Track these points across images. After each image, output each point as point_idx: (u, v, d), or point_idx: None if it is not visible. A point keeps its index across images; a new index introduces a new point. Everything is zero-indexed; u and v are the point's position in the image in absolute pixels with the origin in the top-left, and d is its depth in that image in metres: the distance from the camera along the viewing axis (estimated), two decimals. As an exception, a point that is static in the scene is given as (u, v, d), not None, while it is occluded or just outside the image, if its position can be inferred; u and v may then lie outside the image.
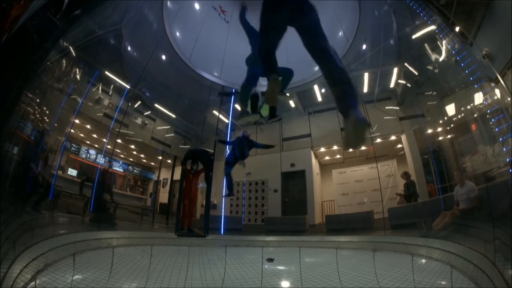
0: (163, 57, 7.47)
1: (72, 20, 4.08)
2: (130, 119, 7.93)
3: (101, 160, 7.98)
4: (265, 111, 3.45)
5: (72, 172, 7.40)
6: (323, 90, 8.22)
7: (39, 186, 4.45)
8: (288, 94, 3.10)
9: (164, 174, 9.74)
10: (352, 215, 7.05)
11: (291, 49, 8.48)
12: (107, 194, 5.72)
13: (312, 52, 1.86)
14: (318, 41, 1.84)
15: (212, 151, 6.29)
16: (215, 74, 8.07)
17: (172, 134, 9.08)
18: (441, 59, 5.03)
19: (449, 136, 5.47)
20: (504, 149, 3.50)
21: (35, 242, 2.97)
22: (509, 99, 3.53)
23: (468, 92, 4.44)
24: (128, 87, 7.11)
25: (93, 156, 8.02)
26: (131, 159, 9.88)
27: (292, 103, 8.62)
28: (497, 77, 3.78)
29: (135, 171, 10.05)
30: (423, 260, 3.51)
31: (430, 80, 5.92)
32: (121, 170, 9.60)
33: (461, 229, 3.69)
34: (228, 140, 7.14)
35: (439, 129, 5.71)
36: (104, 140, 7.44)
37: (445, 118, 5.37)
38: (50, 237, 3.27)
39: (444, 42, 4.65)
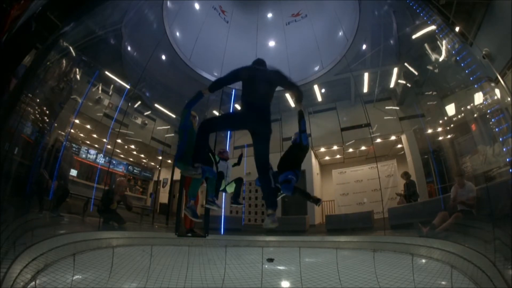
0: (163, 57, 7.48)
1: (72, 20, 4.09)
2: (130, 119, 7.92)
3: (101, 160, 7.98)
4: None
5: (73, 172, 7.40)
6: (323, 90, 8.23)
7: (57, 189, 4.53)
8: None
9: (164, 174, 9.74)
10: (352, 215, 7.04)
11: (291, 49, 8.52)
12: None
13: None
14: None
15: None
16: (215, 74, 8.08)
17: (172, 134, 9.08)
18: (441, 59, 5.03)
19: (449, 136, 5.47)
20: (504, 149, 3.50)
21: (35, 242, 2.97)
22: (509, 99, 3.53)
23: (468, 92, 4.44)
24: (128, 87, 7.11)
25: (93, 156, 8.02)
26: (131, 159, 9.88)
27: (292, 103, 8.63)
28: (497, 77, 3.78)
29: (135, 171, 10.04)
30: (423, 260, 3.51)
31: (430, 80, 5.92)
32: (121, 170, 9.60)
33: (461, 229, 3.69)
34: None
35: (439, 129, 5.71)
36: (104, 140, 7.44)
37: (445, 118, 5.37)
38: (50, 237, 3.27)
39: (444, 42, 4.65)
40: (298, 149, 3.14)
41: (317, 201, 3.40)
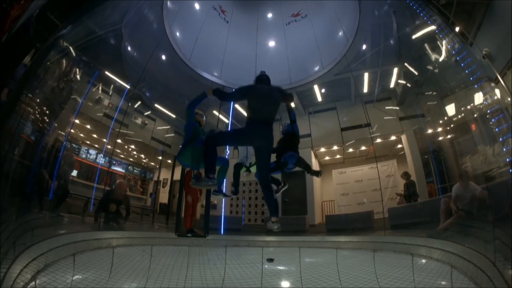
0: (163, 57, 7.48)
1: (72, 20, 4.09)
2: (130, 119, 7.92)
3: (101, 160, 7.98)
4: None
5: (73, 172, 7.39)
6: (323, 90, 8.23)
7: (57, 189, 4.55)
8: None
9: (164, 174, 9.74)
10: (352, 215, 7.04)
11: (291, 49, 8.52)
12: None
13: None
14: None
15: None
16: (215, 74, 8.07)
17: (172, 134, 9.08)
18: (441, 59, 5.03)
19: (449, 136, 5.47)
20: (504, 149, 3.50)
21: (35, 242, 2.98)
22: (509, 99, 3.53)
23: (468, 92, 4.44)
24: (128, 87, 7.11)
25: (93, 156, 8.02)
26: (131, 159, 9.88)
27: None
28: (497, 77, 3.78)
29: (135, 171, 10.04)
30: (423, 260, 3.51)
31: (430, 80, 5.92)
32: (121, 170, 9.59)
33: (461, 229, 3.69)
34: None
35: (439, 129, 5.71)
36: (104, 140, 7.44)
37: (445, 118, 5.37)
38: (50, 237, 3.27)
39: (444, 42, 4.65)
40: (292, 138, 3.21)
41: (317, 173, 3.41)
